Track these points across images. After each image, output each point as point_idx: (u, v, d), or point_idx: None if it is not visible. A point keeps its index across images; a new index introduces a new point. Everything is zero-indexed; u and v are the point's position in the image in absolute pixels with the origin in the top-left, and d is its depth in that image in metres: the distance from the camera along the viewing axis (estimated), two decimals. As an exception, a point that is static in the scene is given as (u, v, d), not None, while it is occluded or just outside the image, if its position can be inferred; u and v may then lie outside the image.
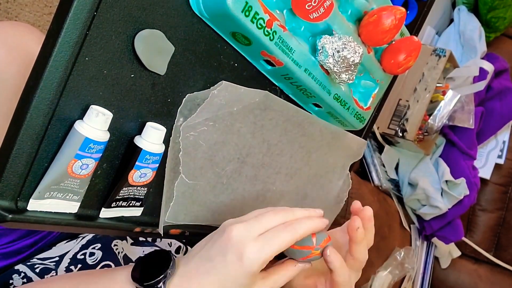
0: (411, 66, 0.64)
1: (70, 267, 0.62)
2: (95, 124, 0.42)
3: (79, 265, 0.63)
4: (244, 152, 0.58)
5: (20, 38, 0.65)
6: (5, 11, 1.12)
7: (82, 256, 0.64)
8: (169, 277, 0.45)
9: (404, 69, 0.65)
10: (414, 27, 0.82)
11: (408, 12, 0.79)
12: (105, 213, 0.48)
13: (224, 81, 0.52)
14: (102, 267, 0.62)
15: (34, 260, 0.63)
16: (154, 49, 0.46)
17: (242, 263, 0.43)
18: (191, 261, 0.46)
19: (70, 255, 0.64)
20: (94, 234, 0.68)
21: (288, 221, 0.47)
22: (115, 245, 0.66)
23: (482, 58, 1.66)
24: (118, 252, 0.66)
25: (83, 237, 0.67)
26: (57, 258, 0.63)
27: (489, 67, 1.59)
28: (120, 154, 0.48)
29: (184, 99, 0.51)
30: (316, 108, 0.63)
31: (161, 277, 0.44)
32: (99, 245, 0.66)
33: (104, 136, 0.43)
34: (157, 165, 0.48)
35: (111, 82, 0.44)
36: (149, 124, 0.48)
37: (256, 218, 0.47)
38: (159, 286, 0.44)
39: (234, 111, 0.54)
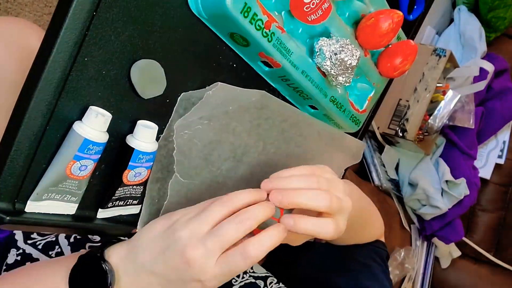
0: (407, 70, 0.65)
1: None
2: (94, 125, 0.42)
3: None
4: (240, 151, 0.58)
5: (18, 34, 0.65)
6: (5, 11, 1.12)
7: None
8: None
9: (400, 73, 0.65)
10: (413, 27, 0.82)
11: (415, 7, 0.79)
12: (102, 213, 0.48)
13: (219, 83, 0.52)
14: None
15: (34, 235, 0.63)
16: (149, 79, 0.46)
17: (201, 282, 0.41)
18: (140, 275, 0.43)
19: None
20: None
21: (236, 214, 0.43)
22: None
23: (482, 58, 1.66)
24: None
25: None
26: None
27: (489, 67, 1.59)
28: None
29: (179, 97, 0.50)
30: (312, 110, 0.63)
31: None
32: None
33: (103, 137, 0.43)
34: (152, 163, 0.48)
35: (110, 83, 0.44)
36: (140, 123, 0.47)
37: (199, 216, 0.43)
38: None
39: (230, 110, 0.54)
